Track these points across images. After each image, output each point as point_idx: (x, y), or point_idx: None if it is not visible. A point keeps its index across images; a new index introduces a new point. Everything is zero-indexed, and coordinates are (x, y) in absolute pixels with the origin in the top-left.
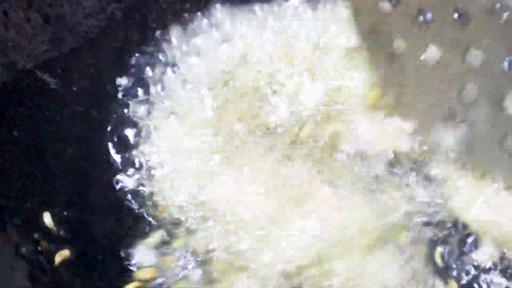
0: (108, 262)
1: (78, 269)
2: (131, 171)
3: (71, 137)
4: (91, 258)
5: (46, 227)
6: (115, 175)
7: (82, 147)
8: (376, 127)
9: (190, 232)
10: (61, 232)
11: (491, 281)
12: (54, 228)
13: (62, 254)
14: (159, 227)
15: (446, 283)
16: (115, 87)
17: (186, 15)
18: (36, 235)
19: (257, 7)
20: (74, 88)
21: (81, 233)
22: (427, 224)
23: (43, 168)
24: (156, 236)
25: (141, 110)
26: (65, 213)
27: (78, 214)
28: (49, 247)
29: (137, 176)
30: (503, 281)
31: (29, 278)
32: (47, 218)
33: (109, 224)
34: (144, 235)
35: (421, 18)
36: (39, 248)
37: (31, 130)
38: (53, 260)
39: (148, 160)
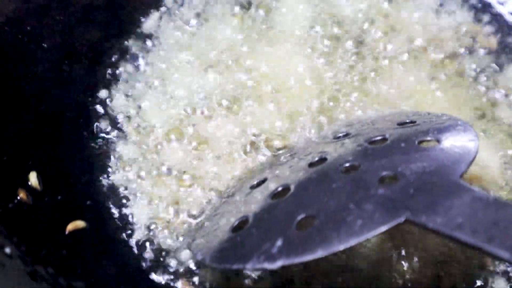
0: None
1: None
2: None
3: (44, 93)
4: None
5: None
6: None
7: (55, 103)
8: None
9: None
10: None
11: None
12: (39, 187)
13: (76, 225)
14: None
15: None
16: (85, 43)
17: None
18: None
19: None
20: (44, 45)
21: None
22: None
23: (16, 125)
24: None
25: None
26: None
27: (55, 169)
28: (27, 199)
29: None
30: None
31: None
32: (33, 178)
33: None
34: None
35: None
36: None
37: (2, 88)
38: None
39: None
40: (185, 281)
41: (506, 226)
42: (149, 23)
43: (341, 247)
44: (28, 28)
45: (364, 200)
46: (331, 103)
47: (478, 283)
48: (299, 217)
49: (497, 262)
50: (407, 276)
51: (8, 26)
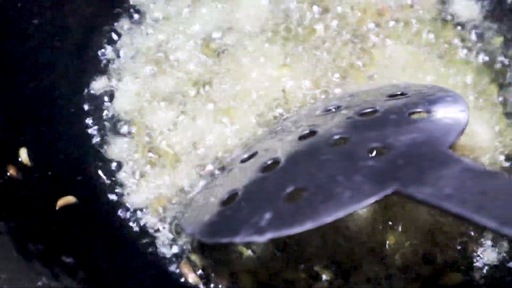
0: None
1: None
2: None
3: (35, 69)
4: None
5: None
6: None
7: (46, 79)
8: None
9: None
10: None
11: None
12: (29, 164)
13: (67, 200)
14: None
15: None
16: (78, 17)
17: None
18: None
19: None
20: (34, 21)
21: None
22: None
23: (6, 102)
24: None
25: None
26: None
27: (46, 144)
28: (17, 175)
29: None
30: None
31: None
32: (24, 154)
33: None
34: None
35: None
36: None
37: None
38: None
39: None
40: (186, 262)
41: (494, 195)
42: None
43: (330, 219)
44: (18, 4)
45: (353, 172)
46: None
47: (468, 254)
48: (288, 190)
49: (487, 234)
50: (397, 249)
51: None
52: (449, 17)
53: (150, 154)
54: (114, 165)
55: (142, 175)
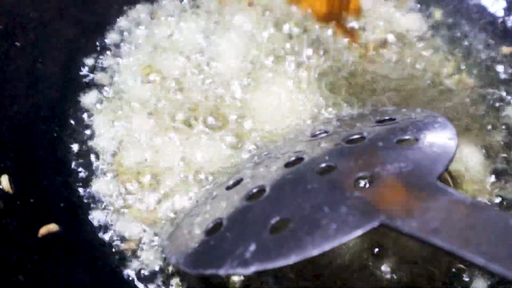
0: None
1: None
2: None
3: (17, 92)
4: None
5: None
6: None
7: (29, 104)
8: None
9: None
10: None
11: None
12: (11, 191)
13: (49, 228)
14: None
15: None
16: (60, 40)
17: None
18: None
19: None
20: (17, 44)
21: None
22: None
23: None
24: None
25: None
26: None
27: (28, 171)
28: None
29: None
30: None
31: None
32: (5, 181)
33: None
34: None
35: None
36: None
37: None
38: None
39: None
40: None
41: (482, 230)
42: (123, 22)
43: (315, 252)
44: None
45: (339, 202)
46: None
47: (456, 283)
48: (273, 220)
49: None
50: (384, 276)
51: None
52: None
53: (133, 181)
54: (97, 191)
55: (125, 200)
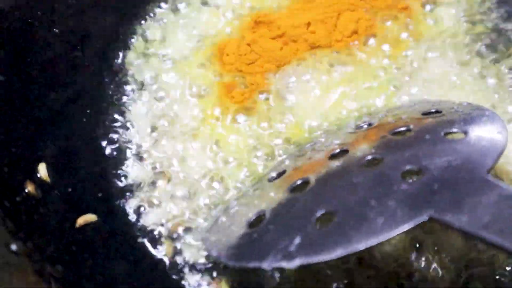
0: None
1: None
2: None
3: (55, 80)
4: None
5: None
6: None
7: (67, 91)
8: None
9: None
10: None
11: None
12: (48, 180)
13: (86, 218)
14: None
15: None
16: (98, 27)
17: None
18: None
19: None
20: (55, 30)
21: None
22: None
23: (25, 114)
24: None
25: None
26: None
27: (66, 160)
28: (36, 192)
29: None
30: None
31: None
32: (43, 170)
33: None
34: None
35: None
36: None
37: (11, 75)
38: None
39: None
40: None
41: None
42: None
43: (361, 247)
44: (38, 13)
45: (386, 196)
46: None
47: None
48: (318, 213)
49: None
50: (427, 276)
51: (18, 11)
52: None
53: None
54: (136, 182)
55: (160, 195)
